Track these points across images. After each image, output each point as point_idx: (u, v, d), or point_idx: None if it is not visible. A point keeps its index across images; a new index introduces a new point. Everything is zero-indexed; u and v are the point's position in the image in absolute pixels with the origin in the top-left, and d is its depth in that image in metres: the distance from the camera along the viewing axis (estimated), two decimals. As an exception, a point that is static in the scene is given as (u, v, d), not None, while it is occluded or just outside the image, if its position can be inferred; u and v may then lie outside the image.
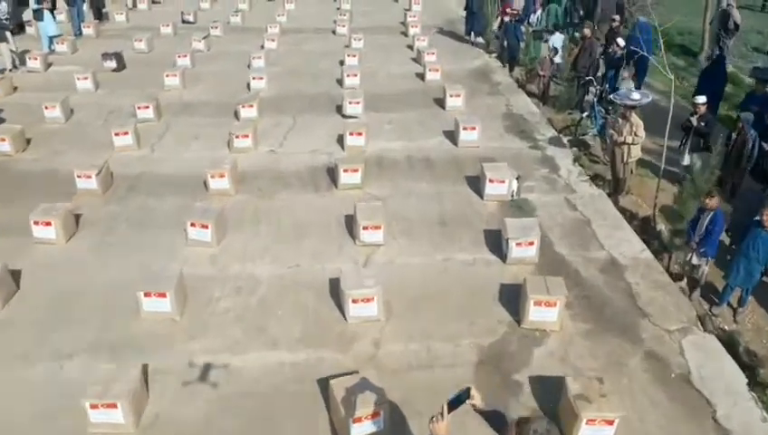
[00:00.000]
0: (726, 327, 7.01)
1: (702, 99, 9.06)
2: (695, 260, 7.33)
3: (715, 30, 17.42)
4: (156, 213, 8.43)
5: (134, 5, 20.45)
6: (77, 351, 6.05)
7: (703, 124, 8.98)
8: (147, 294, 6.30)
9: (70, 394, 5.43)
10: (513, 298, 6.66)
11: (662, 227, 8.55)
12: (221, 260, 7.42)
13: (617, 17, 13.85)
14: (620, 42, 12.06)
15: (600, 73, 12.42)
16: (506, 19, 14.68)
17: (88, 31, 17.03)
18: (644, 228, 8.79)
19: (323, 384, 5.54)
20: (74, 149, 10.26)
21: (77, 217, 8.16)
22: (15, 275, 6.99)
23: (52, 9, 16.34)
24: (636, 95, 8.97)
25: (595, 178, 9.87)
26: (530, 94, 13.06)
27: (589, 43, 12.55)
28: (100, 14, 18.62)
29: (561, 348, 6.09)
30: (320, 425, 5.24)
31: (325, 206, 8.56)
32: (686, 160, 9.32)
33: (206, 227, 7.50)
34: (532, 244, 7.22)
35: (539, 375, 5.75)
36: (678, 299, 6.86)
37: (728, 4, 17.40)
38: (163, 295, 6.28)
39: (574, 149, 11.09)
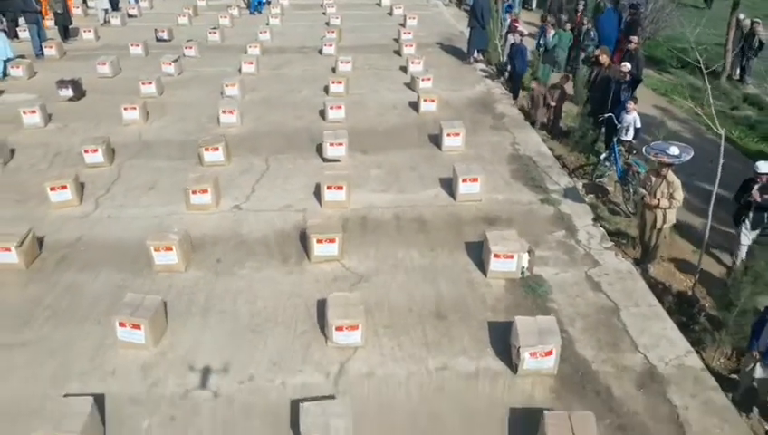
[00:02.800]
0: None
1: (765, 166, 7.44)
2: (757, 373, 5.76)
3: (737, 48, 15.97)
4: (85, 297, 6.88)
5: (106, 21, 18.91)
6: None
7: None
8: (44, 438, 4.75)
9: None
10: (525, 428, 5.13)
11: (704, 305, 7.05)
12: (155, 371, 5.86)
13: (634, 38, 12.29)
14: (626, 66, 10.52)
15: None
16: (514, 39, 13.14)
17: (50, 51, 15.49)
18: (680, 306, 7.27)
19: None
20: (4, 206, 8.71)
21: (-14, 304, 6.61)
22: None
23: (8, 30, 14.81)
24: (674, 150, 7.41)
25: (617, 236, 8.36)
26: (534, 124, 11.56)
27: (607, 72, 10.95)
28: (66, 32, 17.04)
29: None
30: None
31: (293, 287, 7.01)
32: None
33: (139, 327, 5.94)
34: (550, 353, 5.67)
35: None
36: (738, 428, 5.31)
37: (753, 22, 15.96)
38: (67, 439, 4.73)
39: (590, 196, 9.59)
